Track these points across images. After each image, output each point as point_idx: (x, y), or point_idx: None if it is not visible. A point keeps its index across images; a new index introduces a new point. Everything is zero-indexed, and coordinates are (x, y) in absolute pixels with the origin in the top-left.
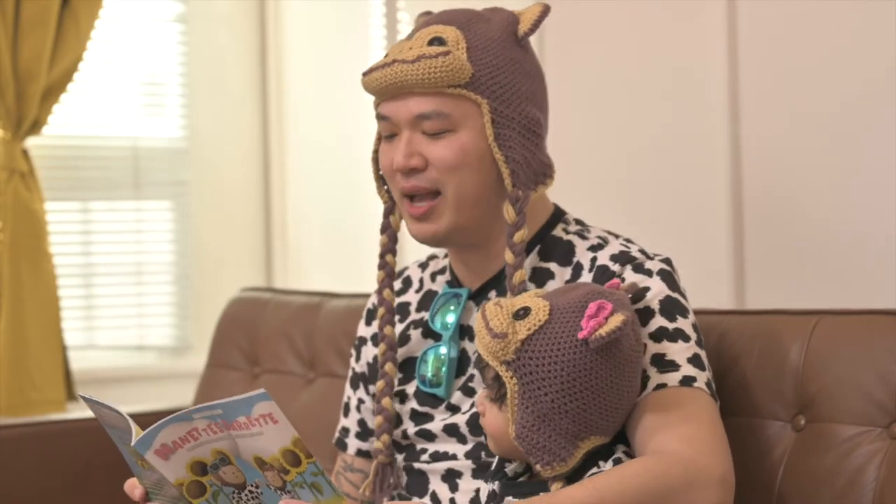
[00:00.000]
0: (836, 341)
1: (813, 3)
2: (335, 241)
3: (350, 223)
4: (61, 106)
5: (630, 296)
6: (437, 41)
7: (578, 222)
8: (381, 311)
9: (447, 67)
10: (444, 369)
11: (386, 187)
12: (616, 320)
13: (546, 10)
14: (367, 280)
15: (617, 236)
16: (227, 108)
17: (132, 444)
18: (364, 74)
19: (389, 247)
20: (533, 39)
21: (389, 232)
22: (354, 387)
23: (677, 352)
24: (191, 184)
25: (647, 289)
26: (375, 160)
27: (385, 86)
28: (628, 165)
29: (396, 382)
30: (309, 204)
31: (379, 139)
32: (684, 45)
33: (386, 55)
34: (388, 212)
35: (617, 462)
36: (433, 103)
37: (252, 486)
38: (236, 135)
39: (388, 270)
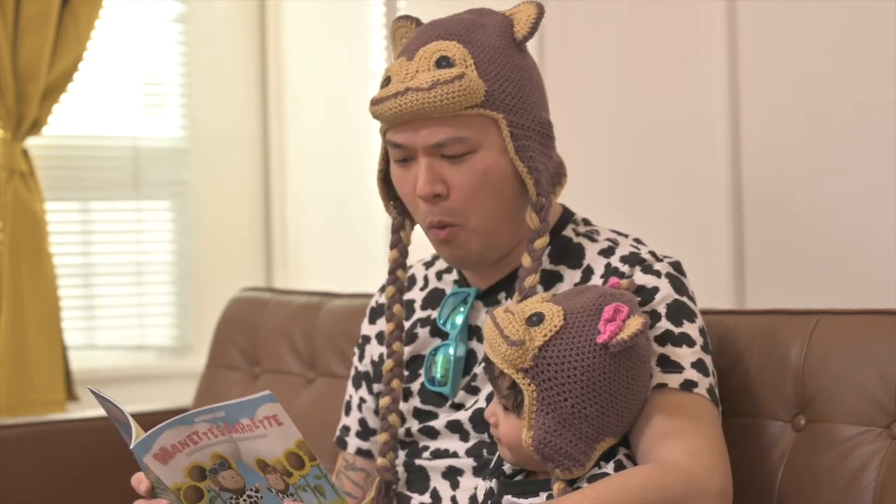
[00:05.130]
0: (836, 341)
1: (813, 2)
2: (335, 241)
3: (350, 223)
4: (61, 106)
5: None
6: (445, 61)
7: (586, 222)
8: (390, 326)
9: (464, 91)
10: (450, 370)
11: (393, 203)
12: (635, 323)
13: (541, 11)
14: (367, 280)
15: (626, 236)
16: (227, 108)
17: (131, 446)
18: (374, 103)
19: (400, 261)
20: (532, 41)
21: (400, 247)
22: (356, 386)
23: (682, 356)
24: (191, 184)
25: (655, 290)
26: (382, 179)
27: (400, 115)
28: (629, 166)
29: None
30: (309, 204)
31: (384, 159)
32: (684, 45)
33: (387, 77)
34: (398, 227)
35: (618, 464)
36: (450, 129)
37: (252, 490)
38: (236, 135)
39: (398, 286)
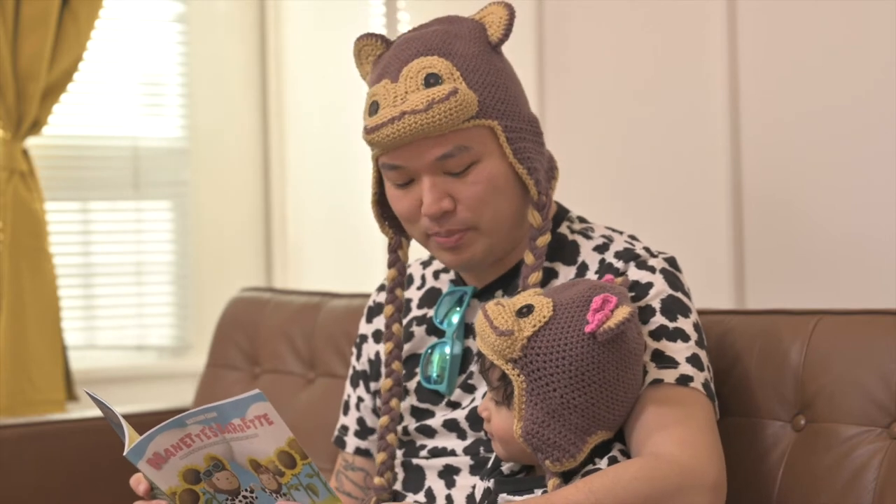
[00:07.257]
0: (836, 341)
1: (813, 2)
2: (335, 240)
3: (350, 223)
4: (61, 106)
5: (627, 289)
6: (433, 78)
7: (582, 220)
8: (388, 346)
9: (460, 106)
10: (446, 368)
11: (388, 223)
12: (622, 312)
13: (512, 12)
14: (367, 280)
15: (621, 233)
16: (227, 108)
17: (124, 453)
18: (368, 132)
19: (399, 281)
20: (532, 39)
21: (399, 266)
22: (354, 385)
23: (676, 350)
24: (191, 184)
25: (649, 285)
26: (376, 202)
27: (400, 140)
28: (629, 165)
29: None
30: (309, 204)
31: (378, 182)
32: (684, 42)
33: (374, 102)
34: (396, 247)
35: (612, 460)
36: (452, 141)
37: (247, 490)
38: (236, 135)
39: (397, 305)
